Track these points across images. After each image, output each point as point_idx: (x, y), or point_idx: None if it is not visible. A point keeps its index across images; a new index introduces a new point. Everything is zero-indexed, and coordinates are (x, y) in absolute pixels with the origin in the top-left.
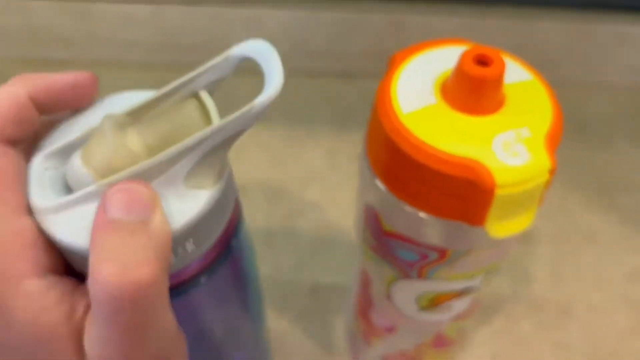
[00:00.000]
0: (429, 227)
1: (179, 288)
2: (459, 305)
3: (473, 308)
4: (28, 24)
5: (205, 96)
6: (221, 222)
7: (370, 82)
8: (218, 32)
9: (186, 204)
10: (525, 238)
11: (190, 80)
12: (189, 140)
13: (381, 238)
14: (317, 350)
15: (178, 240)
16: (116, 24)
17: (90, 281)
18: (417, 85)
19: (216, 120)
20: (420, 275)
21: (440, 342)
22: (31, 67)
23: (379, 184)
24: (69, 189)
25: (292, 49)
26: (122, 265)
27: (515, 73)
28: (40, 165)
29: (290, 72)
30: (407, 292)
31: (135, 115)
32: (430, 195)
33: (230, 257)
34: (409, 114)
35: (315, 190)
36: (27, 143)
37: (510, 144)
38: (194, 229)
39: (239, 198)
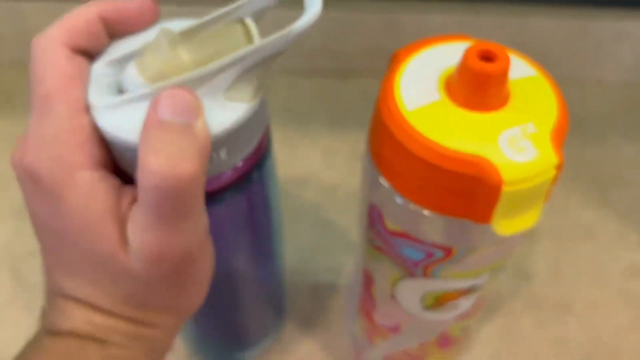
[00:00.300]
0: (434, 225)
1: (206, 199)
2: (464, 304)
3: (478, 306)
4: (20, 28)
5: (249, 22)
6: (253, 137)
7: (366, 80)
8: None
9: (224, 114)
10: (527, 235)
11: (237, 8)
12: (232, 56)
13: (385, 237)
14: (319, 350)
15: (214, 146)
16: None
17: (139, 171)
18: (421, 81)
19: (258, 42)
20: (425, 274)
21: (445, 341)
22: (24, 70)
23: (383, 182)
24: (123, 94)
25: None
26: (169, 159)
27: (520, 69)
28: (99, 71)
29: (285, 71)
30: (412, 291)
31: (187, 35)
32: (436, 193)
33: (255, 179)
34: (413, 111)
35: (313, 190)
36: (93, 56)
37: (516, 140)
38: (229, 137)
39: (269, 126)
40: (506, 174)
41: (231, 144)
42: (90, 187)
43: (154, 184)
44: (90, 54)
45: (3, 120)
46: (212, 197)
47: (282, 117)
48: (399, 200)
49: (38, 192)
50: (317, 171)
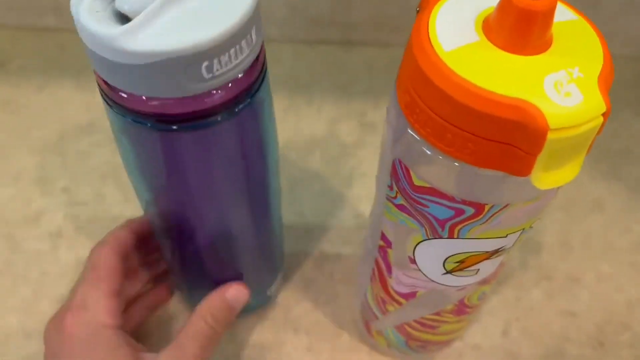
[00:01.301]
0: (467, 179)
1: (198, 120)
2: (487, 268)
3: (498, 271)
4: None
5: None
6: (248, 48)
7: (371, 50)
8: None
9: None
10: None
11: None
12: None
13: (410, 194)
14: (325, 320)
15: (248, 27)
16: None
17: None
18: (457, 22)
19: None
20: (451, 235)
21: (462, 308)
22: (17, 34)
23: (412, 133)
24: (119, 20)
25: (293, 16)
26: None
27: (562, 13)
28: (90, 8)
29: (290, 39)
30: (434, 254)
31: None
32: (472, 142)
33: (248, 104)
34: (450, 52)
35: (317, 160)
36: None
37: (561, 84)
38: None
39: (264, 48)
40: (552, 120)
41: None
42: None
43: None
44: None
45: (62, 87)
46: (202, 118)
47: (287, 86)
48: (429, 152)
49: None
50: (322, 140)
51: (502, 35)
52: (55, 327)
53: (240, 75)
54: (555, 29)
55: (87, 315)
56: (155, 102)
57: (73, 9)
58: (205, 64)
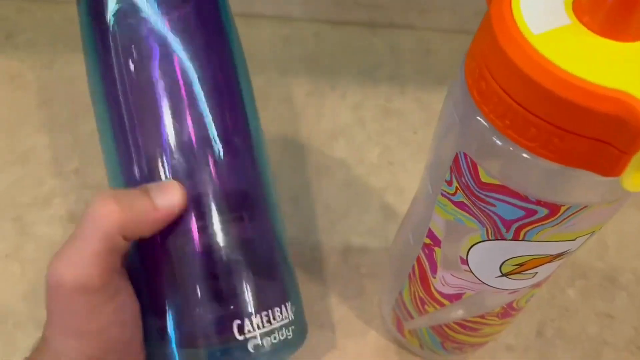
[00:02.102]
0: (546, 178)
1: None
2: (546, 271)
3: (552, 274)
4: None
5: None
6: None
7: (398, 32)
8: None
9: None
10: None
11: None
12: None
13: (475, 191)
14: (351, 315)
15: None
16: None
17: None
18: (544, 3)
19: None
20: (516, 237)
21: (508, 311)
22: (24, 6)
23: (485, 123)
24: None
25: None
26: None
27: None
28: None
29: (313, 18)
30: (493, 256)
31: None
32: (560, 138)
33: None
34: (539, 35)
35: (341, 147)
36: None
37: None
38: None
39: None
40: None
41: None
42: None
43: None
44: None
45: (4, 59)
46: None
47: (309, 69)
48: (504, 145)
49: None
50: (346, 127)
51: (597, 19)
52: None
53: None
54: None
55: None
56: None
57: None
58: None
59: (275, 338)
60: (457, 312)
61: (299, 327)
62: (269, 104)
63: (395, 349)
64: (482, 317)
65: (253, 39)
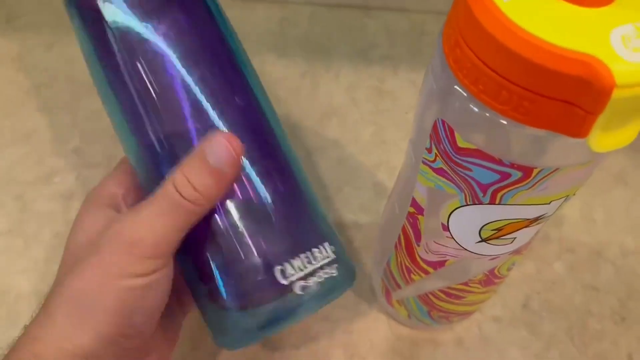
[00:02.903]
0: (518, 140)
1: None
2: (523, 237)
3: (531, 240)
4: None
5: None
6: None
7: (391, 15)
8: None
9: None
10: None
11: None
12: None
13: (453, 157)
14: None
15: None
16: None
17: None
18: None
19: None
20: (493, 200)
21: (491, 279)
22: None
23: (461, 90)
24: None
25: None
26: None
27: None
28: None
29: (308, 2)
30: (472, 221)
31: None
32: (530, 100)
33: None
34: (509, 1)
35: (335, 127)
36: None
37: (629, 39)
38: None
39: None
40: (619, 76)
41: None
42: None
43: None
44: None
45: (5, 42)
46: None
47: (304, 50)
48: (478, 110)
49: None
50: (340, 107)
51: None
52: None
53: None
54: None
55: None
56: None
57: None
58: None
59: (320, 277)
60: (441, 280)
61: (344, 266)
62: (264, 85)
63: (385, 320)
64: (465, 284)
65: (249, 21)
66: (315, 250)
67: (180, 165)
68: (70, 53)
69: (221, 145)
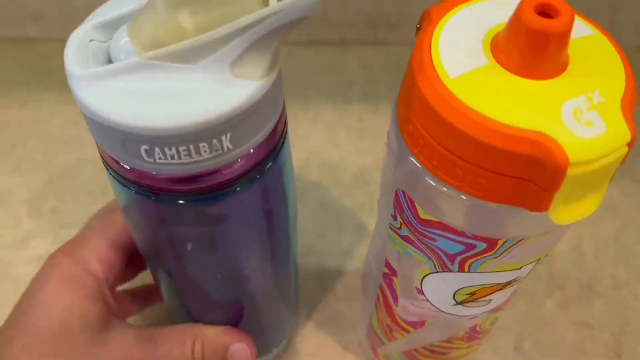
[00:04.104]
0: (479, 215)
1: (214, 192)
2: (500, 298)
3: (511, 298)
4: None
5: None
6: (264, 122)
7: (368, 49)
8: None
9: (229, 93)
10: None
11: None
12: (240, 21)
13: (416, 227)
14: (328, 340)
15: (214, 131)
16: None
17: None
18: (463, 43)
19: (274, 5)
20: (461, 269)
21: (473, 335)
22: (2, 45)
23: (416, 163)
24: (110, 63)
25: None
26: None
27: (576, 27)
28: (85, 34)
29: (285, 42)
30: (443, 287)
31: None
32: (485, 178)
33: (270, 169)
34: (456, 78)
35: (317, 169)
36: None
37: (581, 112)
38: (234, 122)
39: (285, 109)
40: (572, 154)
41: (237, 130)
42: None
43: None
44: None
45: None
46: (222, 189)
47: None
48: (435, 184)
49: None
50: (320, 148)
51: (513, 59)
52: (43, 265)
53: (260, 143)
54: (571, 47)
55: (77, 255)
56: (155, 178)
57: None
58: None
59: None
60: (423, 338)
61: None
62: None
63: None
64: (448, 341)
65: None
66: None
67: (204, 339)
68: (44, 109)
69: (244, 353)
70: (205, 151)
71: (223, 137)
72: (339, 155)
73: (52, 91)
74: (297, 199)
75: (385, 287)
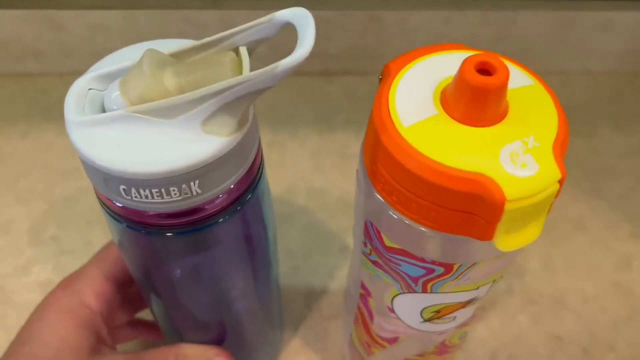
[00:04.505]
0: (434, 243)
1: (199, 224)
2: (464, 315)
3: (477, 314)
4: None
5: (243, 51)
6: (232, 172)
7: (351, 79)
8: (192, 35)
9: (197, 146)
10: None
11: (233, 35)
12: (214, 86)
13: (383, 253)
14: (315, 356)
15: (182, 179)
16: (86, 32)
17: None
18: (416, 96)
19: (245, 74)
20: (424, 290)
21: (444, 349)
22: (3, 80)
23: (380, 199)
24: (104, 111)
25: (271, 50)
26: None
27: (517, 78)
28: (85, 84)
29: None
30: (411, 306)
31: (176, 57)
32: (435, 211)
33: (249, 201)
34: (409, 127)
35: (303, 194)
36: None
37: (517, 155)
38: (199, 171)
39: (260, 149)
40: (509, 192)
41: (204, 178)
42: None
43: None
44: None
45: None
46: (206, 222)
47: (270, 120)
48: (396, 216)
49: None
50: (306, 174)
51: (458, 110)
52: (42, 299)
53: (241, 178)
54: (511, 96)
55: (73, 288)
56: (146, 214)
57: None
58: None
59: None
60: (398, 353)
61: None
62: None
63: None
64: (422, 355)
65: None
66: None
67: (186, 356)
68: (44, 140)
69: None
70: (175, 194)
71: (192, 183)
72: (324, 180)
73: (51, 123)
74: (284, 222)
75: (362, 306)
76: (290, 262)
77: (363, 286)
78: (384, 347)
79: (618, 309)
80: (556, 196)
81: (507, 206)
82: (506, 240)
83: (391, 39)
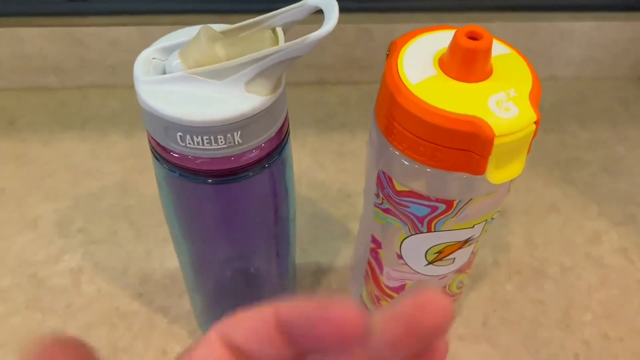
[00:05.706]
0: (437, 181)
1: (230, 175)
2: (461, 257)
3: (470, 261)
4: (18, 53)
5: (279, 30)
6: (268, 126)
7: (344, 88)
8: None
9: (241, 103)
10: (502, 211)
11: (270, 17)
12: (256, 54)
13: (394, 198)
14: None
15: (228, 129)
16: (104, 47)
17: None
18: (419, 61)
19: (281, 44)
20: (429, 229)
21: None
22: (23, 95)
23: (392, 149)
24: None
25: None
26: None
27: (498, 48)
28: (149, 54)
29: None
30: (417, 247)
31: (226, 34)
32: (439, 151)
33: (275, 160)
34: (416, 84)
35: (306, 187)
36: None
37: (502, 102)
38: (242, 123)
39: (288, 118)
40: (497, 129)
41: (245, 130)
42: None
43: None
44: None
45: (9, 141)
46: (240, 172)
47: None
48: (406, 162)
49: None
50: (308, 170)
51: (453, 69)
52: None
53: (271, 137)
54: (494, 61)
55: None
56: (195, 161)
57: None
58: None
59: None
60: None
61: None
62: None
63: None
64: None
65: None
66: None
67: None
68: (66, 147)
69: None
70: (221, 141)
71: (235, 133)
72: (325, 174)
73: (71, 131)
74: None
75: (372, 260)
76: (298, 246)
77: (374, 239)
78: (392, 297)
79: (591, 276)
80: (534, 136)
81: (496, 141)
82: (496, 174)
83: (378, 52)
